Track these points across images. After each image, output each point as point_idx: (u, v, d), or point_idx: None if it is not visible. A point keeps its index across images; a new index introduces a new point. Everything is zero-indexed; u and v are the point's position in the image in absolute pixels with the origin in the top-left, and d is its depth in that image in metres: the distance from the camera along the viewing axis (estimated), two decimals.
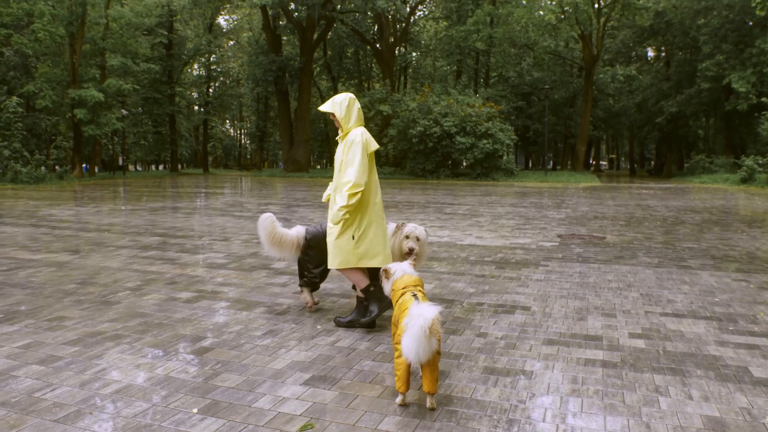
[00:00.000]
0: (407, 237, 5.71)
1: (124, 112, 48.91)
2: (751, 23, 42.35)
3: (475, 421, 3.66)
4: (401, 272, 4.46)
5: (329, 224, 5.53)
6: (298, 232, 6.08)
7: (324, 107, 5.49)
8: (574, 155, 52.02)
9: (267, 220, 6.02)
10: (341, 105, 5.45)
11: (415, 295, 4.00)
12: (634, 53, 61.85)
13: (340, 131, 5.58)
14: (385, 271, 4.58)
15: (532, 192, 27.25)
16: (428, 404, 3.80)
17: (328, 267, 5.63)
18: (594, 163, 75.58)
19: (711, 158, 44.72)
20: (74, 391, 4.03)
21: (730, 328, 5.57)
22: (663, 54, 59.13)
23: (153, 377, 4.31)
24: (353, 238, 5.40)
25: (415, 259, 5.56)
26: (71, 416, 3.67)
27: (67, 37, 39.38)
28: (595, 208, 18.63)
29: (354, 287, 5.97)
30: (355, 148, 5.38)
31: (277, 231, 6.01)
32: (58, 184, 33.24)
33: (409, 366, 3.74)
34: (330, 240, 5.52)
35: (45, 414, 3.69)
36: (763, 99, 35.58)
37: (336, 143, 5.81)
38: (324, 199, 5.94)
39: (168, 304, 6.37)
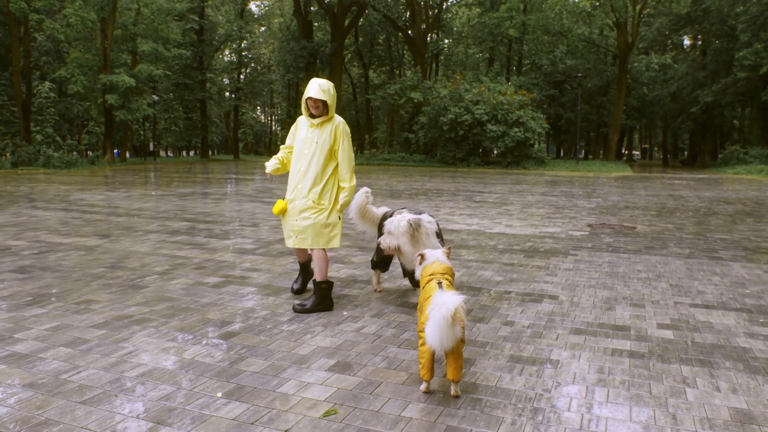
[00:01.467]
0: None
1: (155, 97, 49.33)
2: None
3: (499, 409, 3.63)
4: (433, 259, 4.44)
5: (307, 204, 5.66)
6: (381, 211, 6.32)
7: (318, 95, 5.56)
8: (606, 144, 51.53)
9: (361, 194, 6.16)
10: (329, 92, 5.63)
11: (440, 283, 3.97)
12: (669, 41, 60.93)
13: (315, 117, 5.74)
14: (421, 255, 4.56)
15: (563, 181, 27.04)
16: (452, 392, 3.78)
17: (312, 247, 5.73)
18: (626, 152, 74.70)
19: (746, 149, 43.97)
20: (100, 374, 4.06)
21: (761, 320, 5.48)
22: (699, 42, 58.14)
23: (179, 361, 4.33)
24: (339, 218, 5.75)
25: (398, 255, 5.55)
26: (97, 398, 3.69)
27: (99, 22, 39.78)
28: (626, 197, 18.43)
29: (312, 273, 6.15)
30: (346, 136, 5.76)
31: (366, 205, 6.22)
32: (90, 169, 33.70)
33: (433, 353, 3.72)
34: (320, 220, 5.64)
35: (71, 396, 3.73)
36: None
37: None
38: (270, 171, 5.89)
39: (195, 289, 6.41)
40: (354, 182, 5.77)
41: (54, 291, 6.26)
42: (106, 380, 3.95)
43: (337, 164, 5.76)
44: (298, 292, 6.23)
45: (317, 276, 5.69)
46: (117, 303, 5.81)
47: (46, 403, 3.61)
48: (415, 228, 5.37)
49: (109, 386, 3.86)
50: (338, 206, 5.72)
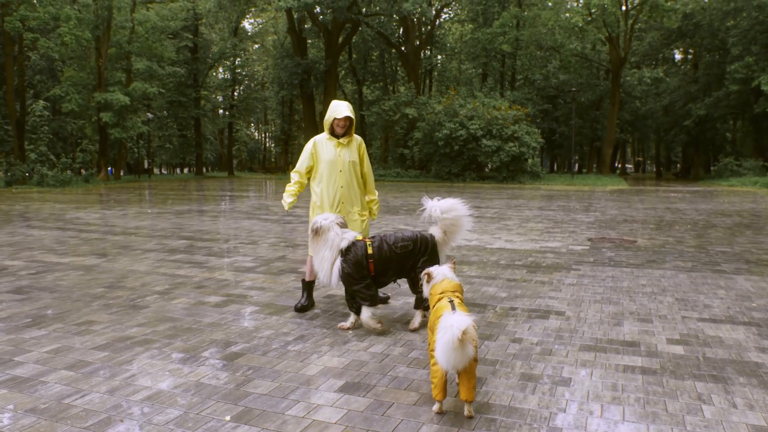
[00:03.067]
0: None
1: (150, 115, 49.29)
2: None
3: (514, 429, 3.55)
4: (442, 276, 4.38)
5: (354, 217, 6.21)
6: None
7: (351, 113, 5.98)
8: (600, 158, 51.64)
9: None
10: (353, 112, 6.00)
11: (451, 301, 3.90)
12: (661, 55, 61.30)
13: (340, 136, 6.14)
14: (427, 274, 4.49)
15: (559, 195, 27.04)
16: (466, 412, 3.70)
17: None
18: (620, 166, 74.95)
19: (739, 161, 44.14)
20: (104, 398, 3.97)
21: None
22: (690, 56, 58.53)
23: (184, 383, 4.24)
24: None
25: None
26: (102, 423, 3.60)
27: (93, 40, 39.78)
28: (623, 211, 18.40)
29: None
30: (366, 151, 6.35)
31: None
32: (84, 187, 33.54)
33: (445, 373, 3.65)
34: (364, 230, 6.31)
35: (75, 421, 3.63)
36: None
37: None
38: (288, 209, 6.16)
39: (197, 309, 6.32)
40: (377, 194, 6.50)
41: (52, 312, 6.16)
42: (111, 404, 3.86)
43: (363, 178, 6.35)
44: (302, 310, 6.23)
45: None
46: (118, 324, 5.71)
47: (50, 429, 3.52)
48: (314, 231, 5.56)
49: (113, 411, 3.77)
50: (374, 218, 6.52)
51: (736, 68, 41.87)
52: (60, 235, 12.28)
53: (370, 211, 6.46)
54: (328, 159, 6.07)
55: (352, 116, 6.00)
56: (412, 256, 5.57)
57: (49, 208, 19.43)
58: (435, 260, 5.58)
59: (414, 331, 5.53)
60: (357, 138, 6.24)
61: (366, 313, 5.46)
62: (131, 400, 3.94)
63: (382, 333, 5.47)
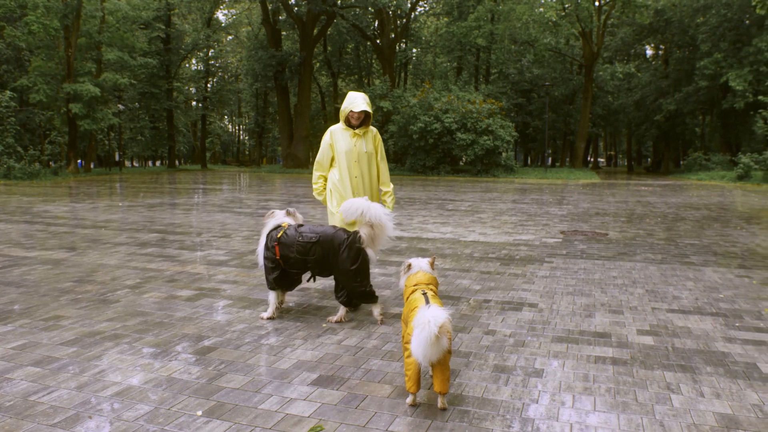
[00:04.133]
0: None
1: (121, 107, 48.64)
2: (748, 22, 42.50)
3: (488, 421, 3.56)
4: (417, 268, 4.37)
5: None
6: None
7: (366, 108, 6.04)
8: (573, 152, 52.12)
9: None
10: (370, 104, 6.08)
11: (425, 294, 3.90)
12: (632, 51, 61.97)
13: (355, 127, 6.21)
14: (408, 265, 4.48)
15: (533, 188, 27.21)
16: (439, 404, 3.70)
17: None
18: (592, 160, 75.70)
19: (708, 156, 44.85)
20: (72, 394, 3.90)
21: (737, 325, 5.54)
22: (661, 52, 59.25)
23: (154, 378, 4.18)
24: None
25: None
26: (69, 420, 3.54)
27: (62, 30, 39.03)
28: (595, 204, 18.57)
29: None
30: (381, 143, 6.44)
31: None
32: (53, 180, 33.05)
33: (419, 366, 3.64)
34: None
35: (42, 418, 3.56)
36: (760, 97, 35.67)
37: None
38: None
39: (168, 303, 6.24)
40: (392, 186, 6.54)
41: (19, 307, 6.04)
42: (79, 401, 3.80)
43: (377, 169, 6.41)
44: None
45: None
46: (87, 319, 5.62)
47: (15, 427, 3.45)
48: (269, 215, 5.90)
49: (82, 407, 3.71)
50: (390, 210, 6.23)
51: (705, 64, 42.57)
52: (27, 229, 12.08)
53: (384, 203, 6.43)
54: (344, 149, 6.17)
55: (369, 110, 6.08)
56: (315, 250, 5.38)
57: (16, 201, 19.12)
58: (356, 258, 5.35)
59: (382, 323, 5.52)
60: (372, 129, 6.32)
61: (269, 296, 5.72)
62: (100, 396, 3.88)
63: (270, 318, 5.67)
